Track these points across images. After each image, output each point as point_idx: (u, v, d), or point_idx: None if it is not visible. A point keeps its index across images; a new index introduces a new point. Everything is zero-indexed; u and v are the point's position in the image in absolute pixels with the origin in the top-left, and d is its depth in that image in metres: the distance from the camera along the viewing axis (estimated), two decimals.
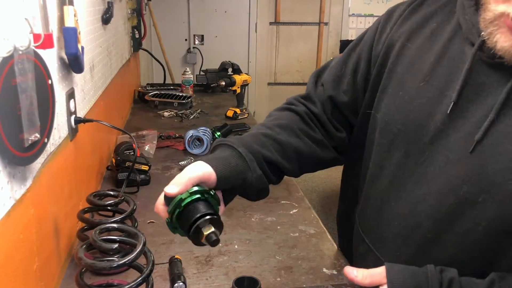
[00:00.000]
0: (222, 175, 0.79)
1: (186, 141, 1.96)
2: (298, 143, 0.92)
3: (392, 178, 0.85)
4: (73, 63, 1.14)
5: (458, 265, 0.73)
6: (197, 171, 0.78)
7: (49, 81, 0.93)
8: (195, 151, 1.96)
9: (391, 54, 0.87)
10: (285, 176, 0.94)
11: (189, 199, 0.72)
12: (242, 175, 0.82)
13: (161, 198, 0.78)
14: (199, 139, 1.98)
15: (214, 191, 0.76)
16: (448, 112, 0.75)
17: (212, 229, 0.70)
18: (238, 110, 2.56)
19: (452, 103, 0.74)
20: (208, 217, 0.71)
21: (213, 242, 0.70)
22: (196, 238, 0.72)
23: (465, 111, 0.74)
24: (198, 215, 0.71)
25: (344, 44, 4.74)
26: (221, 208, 0.81)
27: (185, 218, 0.73)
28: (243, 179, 0.82)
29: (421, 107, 0.79)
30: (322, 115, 0.98)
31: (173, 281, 1.04)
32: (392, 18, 0.90)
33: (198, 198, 0.73)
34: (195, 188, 0.74)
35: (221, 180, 0.79)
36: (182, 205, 0.72)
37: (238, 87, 2.59)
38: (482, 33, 0.72)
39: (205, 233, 0.70)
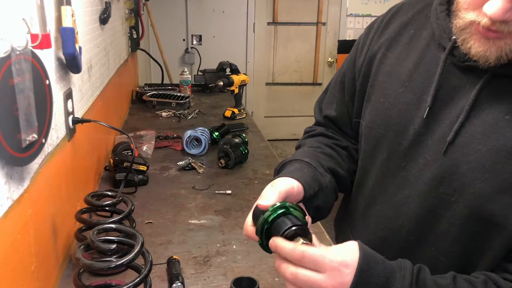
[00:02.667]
0: (306, 181, 0.81)
1: (184, 141, 1.96)
2: (334, 153, 0.96)
3: (376, 182, 0.87)
4: (70, 63, 1.14)
5: (439, 267, 0.74)
6: (284, 185, 0.77)
7: (47, 81, 0.93)
8: (193, 151, 1.96)
9: (373, 65, 0.90)
10: None
11: (274, 214, 0.70)
12: (317, 180, 0.84)
13: (248, 221, 0.76)
14: (197, 139, 1.97)
15: (295, 203, 0.74)
16: (425, 116, 0.77)
17: (301, 240, 0.67)
18: (236, 110, 2.56)
19: (428, 107, 0.76)
20: (294, 228, 0.68)
21: None
22: None
23: (440, 114, 0.76)
24: (286, 228, 0.68)
25: (342, 44, 4.75)
26: (308, 220, 0.78)
27: (274, 235, 0.70)
28: (319, 183, 0.84)
29: (400, 112, 0.82)
30: (332, 132, 1.03)
31: (171, 282, 1.04)
32: (371, 32, 0.94)
33: (283, 212, 0.71)
34: (278, 204, 0.72)
35: (306, 187, 0.80)
36: (269, 220, 0.70)
37: (236, 87, 2.59)
38: (453, 37, 0.74)
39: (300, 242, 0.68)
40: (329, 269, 0.64)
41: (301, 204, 0.79)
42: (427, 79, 0.79)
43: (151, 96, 2.77)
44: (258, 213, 0.73)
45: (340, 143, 0.99)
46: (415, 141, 0.79)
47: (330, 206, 0.88)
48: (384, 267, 0.67)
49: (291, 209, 0.71)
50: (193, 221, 1.39)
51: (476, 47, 0.69)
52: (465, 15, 0.70)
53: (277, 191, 0.74)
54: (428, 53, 0.80)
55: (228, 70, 2.83)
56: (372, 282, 0.65)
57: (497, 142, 0.69)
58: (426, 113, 0.77)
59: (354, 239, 0.94)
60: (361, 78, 0.93)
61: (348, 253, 0.66)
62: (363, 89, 0.92)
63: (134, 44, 2.93)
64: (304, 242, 0.67)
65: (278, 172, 0.89)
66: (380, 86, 0.87)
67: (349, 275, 0.64)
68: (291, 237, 0.68)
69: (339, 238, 1.08)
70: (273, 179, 0.81)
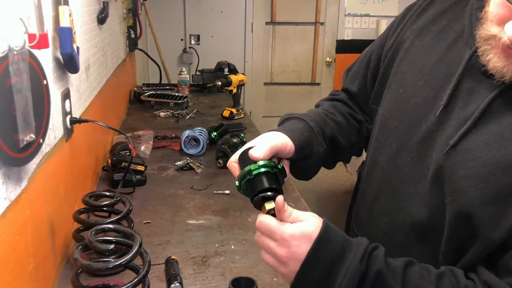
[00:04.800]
0: (300, 145, 0.84)
1: (182, 141, 1.96)
2: (345, 123, 0.99)
3: (383, 175, 0.87)
4: (68, 63, 1.14)
5: (437, 265, 0.74)
6: (280, 141, 0.81)
7: (44, 81, 0.93)
8: (191, 151, 1.96)
9: (401, 51, 0.89)
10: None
11: (259, 170, 0.76)
12: (310, 147, 0.87)
13: (233, 157, 0.81)
14: (195, 139, 1.97)
15: (282, 165, 0.80)
16: (437, 114, 0.76)
17: (273, 205, 0.73)
18: (234, 110, 2.56)
19: (442, 106, 0.75)
20: (271, 193, 0.75)
21: (271, 215, 0.75)
22: (258, 207, 0.77)
23: (452, 115, 0.75)
24: (264, 188, 0.75)
25: (340, 44, 4.75)
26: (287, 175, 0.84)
27: (253, 186, 0.76)
28: (311, 151, 0.88)
29: (416, 106, 0.81)
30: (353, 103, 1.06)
31: (169, 282, 1.04)
32: (407, 15, 0.92)
33: (267, 171, 0.76)
34: (265, 162, 0.77)
35: (298, 150, 0.84)
36: (253, 173, 0.76)
37: (234, 87, 2.58)
38: (475, 46, 0.73)
39: (267, 207, 0.74)
40: (279, 239, 0.70)
41: (286, 162, 0.85)
42: (447, 76, 0.77)
43: (149, 96, 2.77)
44: (246, 158, 0.78)
45: (356, 116, 1.02)
46: (425, 137, 0.78)
47: (312, 172, 0.93)
48: (342, 239, 0.71)
49: (275, 170, 0.78)
50: (191, 221, 1.39)
51: (494, 62, 0.68)
52: (490, 27, 0.69)
53: (270, 145, 0.79)
54: (454, 49, 0.79)
55: (226, 70, 2.82)
56: (328, 248, 0.69)
57: (498, 153, 0.67)
58: (439, 112, 0.76)
59: (358, 231, 0.94)
60: (387, 61, 0.92)
61: (302, 226, 0.71)
62: (386, 73, 0.92)
63: (132, 44, 2.92)
64: (274, 207, 0.73)
65: (284, 121, 0.93)
66: (402, 76, 0.87)
67: (298, 246, 0.69)
68: (261, 199, 0.75)
69: (346, 228, 1.08)
70: (272, 130, 0.85)
